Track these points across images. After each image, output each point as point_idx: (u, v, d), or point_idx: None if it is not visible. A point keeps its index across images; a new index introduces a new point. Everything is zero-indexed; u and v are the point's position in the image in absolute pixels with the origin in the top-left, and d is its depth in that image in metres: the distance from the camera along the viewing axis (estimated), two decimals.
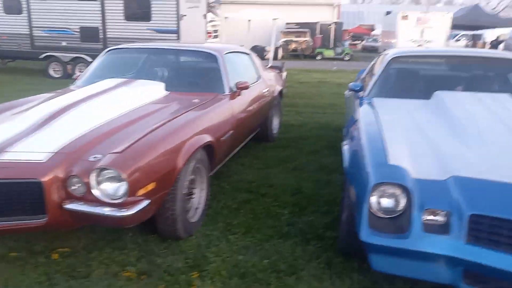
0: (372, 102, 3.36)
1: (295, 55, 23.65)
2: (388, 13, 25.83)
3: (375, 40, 31.84)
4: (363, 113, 3.11)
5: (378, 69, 3.78)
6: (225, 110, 3.50)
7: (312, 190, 3.80)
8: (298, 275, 2.50)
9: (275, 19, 7.98)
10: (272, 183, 3.94)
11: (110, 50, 4.25)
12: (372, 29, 38.89)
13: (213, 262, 2.61)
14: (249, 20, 9.97)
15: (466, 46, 23.36)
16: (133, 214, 2.30)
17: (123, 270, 2.54)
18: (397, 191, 2.04)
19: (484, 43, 24.84)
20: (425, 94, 3.32)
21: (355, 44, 34.87)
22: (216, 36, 21.55)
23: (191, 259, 2.65)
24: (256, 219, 3.19)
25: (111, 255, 2.70)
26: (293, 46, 23.54)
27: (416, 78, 3.85)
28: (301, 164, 4.56)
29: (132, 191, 2.25)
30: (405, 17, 19.40)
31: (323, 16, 25.27)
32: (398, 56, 3.84)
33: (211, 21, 20.95)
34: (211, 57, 3.92)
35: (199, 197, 3.10)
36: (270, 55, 7.87)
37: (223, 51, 4.02)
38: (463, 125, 2.57)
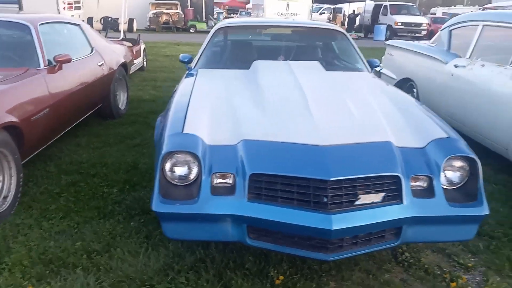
0: (196, 73, 3.37)
1: (167, 27, 22.91)
2: None
3: (249, 14, 32.37)
4: (182, 84, 3.09)
5: (205, 41, 3.79)
6: (38, 86, 3.18)
7: (148, 165, 3.72)
8: (112, 253, 2.43)
9: None
10: (107, 162, 3.76)
11: None
12: (248, 2, 39.43)
13: (16, 253, 2.40)
14: None
15: (328, 19, 25.13)
16: None
17: None
18: (189, 159, 2.08)
19: (344, 16, 26.99)
20: (248, 64, 3.43)
21: (231, 17, 35.06)
22: (78, 8, 19.75)
23: None
24: (78, 202, 3.01)
25: None
26: (164, 18, 22.73)
27: (242, 49, 3.96)
28: (145, 140, 4.43)
29: None
30: None
31: None
32: (223, 27, 3.89)
33: None
34: (22, 27, 3.49)
35: (8, 184, 2.80)
36: (121, 27, 7.48)
37: (38, 21, 3.61)
38: (265, 92, 2.71)
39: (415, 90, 5.35)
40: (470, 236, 2.16)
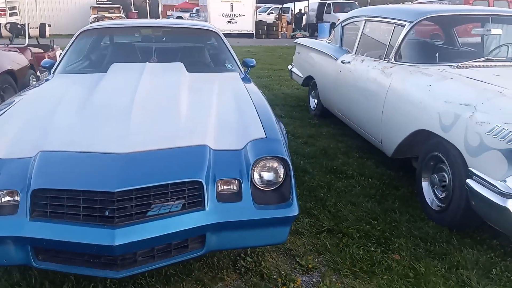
0: (50, 79, 3.16)
1: None
2: None
3: (198, 15, 32.12)
4: (20, 92, 2.89)
5: (68, 45, 3.58)
6: None
7: None
8: None
9: None
10: None
11: None
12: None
13: None
14: None
15: (275, 18, 25.24)
16: None
17: None
18: None
19: (292, 15, 27.21)
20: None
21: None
22: (14, 14, 18.98)
23: None
24: None
25: None
26: None
27: (108, 52, 3.77)
28: None
29: None
30: None
31: None
32: (87, 30, 3.68)
33: None
34: None
35: None
36: (27, 33, 7.14)
37: None
38: (94, 97, 2.54)
39: (318, 87, 5.34)
40: (282, 239, 2.08)
